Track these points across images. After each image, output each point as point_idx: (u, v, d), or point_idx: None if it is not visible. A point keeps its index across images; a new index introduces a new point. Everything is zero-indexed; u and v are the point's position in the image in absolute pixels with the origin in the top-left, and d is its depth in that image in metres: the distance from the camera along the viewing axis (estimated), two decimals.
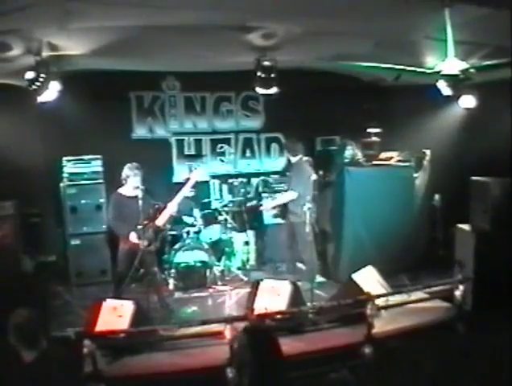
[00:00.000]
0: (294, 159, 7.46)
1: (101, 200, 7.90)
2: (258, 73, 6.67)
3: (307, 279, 6.84)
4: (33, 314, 3.55)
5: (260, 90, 6.94)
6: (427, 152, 8.12)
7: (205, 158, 9.34)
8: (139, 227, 6.09)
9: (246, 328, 3.17)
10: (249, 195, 9.07)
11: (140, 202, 6.09)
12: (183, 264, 7.47)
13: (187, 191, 6.63)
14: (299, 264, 7.58)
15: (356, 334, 5.26)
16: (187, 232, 7.74)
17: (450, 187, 7.94)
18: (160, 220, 6.36)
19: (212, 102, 9.32)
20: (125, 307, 5.37)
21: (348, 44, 6.43)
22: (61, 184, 7.95)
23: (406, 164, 8.06)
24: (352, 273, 6.16)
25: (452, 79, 5.23)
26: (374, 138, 8.07)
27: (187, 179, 6.64)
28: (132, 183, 6.26)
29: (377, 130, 8.10)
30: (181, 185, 6.73)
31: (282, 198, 7.53)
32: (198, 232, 7.81)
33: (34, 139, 7.72)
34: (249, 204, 7.97)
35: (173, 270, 7.46)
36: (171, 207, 6.44)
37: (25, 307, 3.59)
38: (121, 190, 6.43)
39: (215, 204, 8.52)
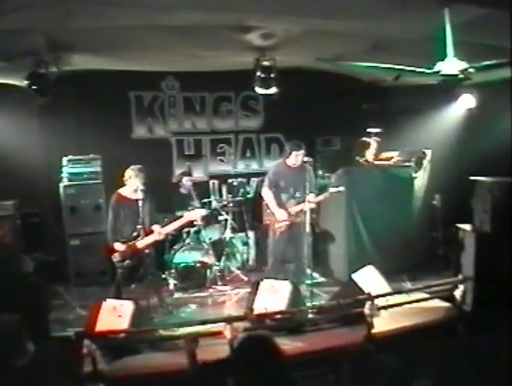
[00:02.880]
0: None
1: (101, 200, 7.88)
2: (258, 73, 6.67)
3: (297, 275, 6.87)
4: (14, 321, 3.53)
5: (260, 90, 6.93)
6: (427, 152, 8.13)
7: (205, 158, 9.35)
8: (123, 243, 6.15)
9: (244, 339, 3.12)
10: (248, 195, 9.07)
11: (140, 203, 6.09)
12: (183, 265, 7.47)
13: (177, 227, 6.50)
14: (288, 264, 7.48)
15: (356, 334, 5.26)
16: (187, 232, 7.75)
17: (450, 187, 7.95)
18: (141, 243, 6.18)
19: (211, 102, 9.31)
20: (125, 307, 5.37)
21: (348, 44, 6.43)
22: (61, 184, 7.96)
23: (406, 164, 8.06)
24: (352, 273, 6.17)
25: (451, 79, 5.22)
26: (374, 138, 8.07)
27: (182, 216, 6.52)
28: (133, 186, 6.24)
29: (377, 130, 8.10)
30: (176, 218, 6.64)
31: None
32: (198, 232, 7.81)
33: (34, 139, 7.71)
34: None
35: (173, 270, 7.47)
36: (157, 235, 6.26)
37: (6, 314, 3.58)
38: (121, 191, 6.42)
39: (215, 204, 8.52)
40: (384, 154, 8.12)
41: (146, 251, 6.24)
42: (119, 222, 6.31)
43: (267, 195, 7.20)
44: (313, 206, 6.82)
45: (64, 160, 7.90)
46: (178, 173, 8.61)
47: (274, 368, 2.80)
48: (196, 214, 6.71)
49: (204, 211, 7.03)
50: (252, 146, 9.61)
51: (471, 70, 5.12)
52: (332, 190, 7.03)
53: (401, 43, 6.22)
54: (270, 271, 7.15)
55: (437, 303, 6.18)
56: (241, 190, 8.86)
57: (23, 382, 3.30)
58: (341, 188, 7.08)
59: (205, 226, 8.00)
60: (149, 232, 6.23)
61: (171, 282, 7.44)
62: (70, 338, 4.82)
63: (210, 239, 8.03)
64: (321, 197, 6.99)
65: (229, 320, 4.92)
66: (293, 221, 7.03)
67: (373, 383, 4.23)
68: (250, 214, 8.75)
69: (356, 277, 6.07)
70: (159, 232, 6.27)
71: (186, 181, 8.13)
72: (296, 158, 6.98)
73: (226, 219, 8.23)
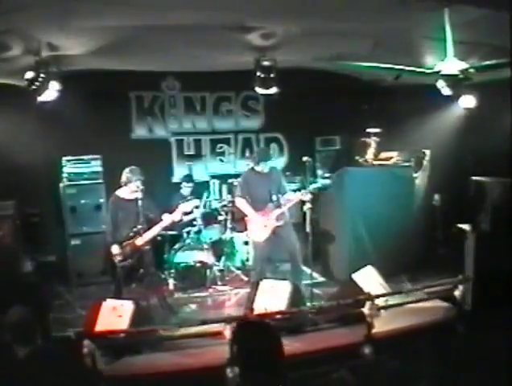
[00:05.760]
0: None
1: (101, 200, 7.90)
2: (258, 73, 6.66)
3: (294, 275, 6.83)
4: (27, 313, 3.56)
5: (259, 90, 6.94)
6: (427, 152, 8.12)
7: (205, 157, 9.35)
8: (120, 243, 6.17)
9: (241, 324, 3.13)
10: None
11: (140, 202, 6.10)
12: (183, 264, 7.46)
13: (173, 219, 6.45)
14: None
15: (356, 334, 5.26)
16: (188, 232, 7.75)
17: (450, 187, 7.95)
18: (141, 240, 6.21)
19: (211, 102, 9.32)
20: (125, 307, 5.38)
21: (348, 44, 6.43)
22: (61, 184, 7.96)
23: (406, 164, 8.06)
24: (352, 273, 6.17)
25: (451, 79, 5.23)
26: (374, 138, 8.07)
27: (176, 207, 6.52)
28: (132, 186, 6.25)
29: (377, 130, 8.10)
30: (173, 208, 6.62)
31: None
32: (198, 232, 7.81)
33: (34, 139, 7.70)
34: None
35: (173, 270, 7.46)
36: (155, 230, 6.29)
37: (19, 305, 3.60)
38: (119, 193, 6.43)
39: (215, 204, 8.52)
40: (384, 154, 8.11)
41: (146, 247, 6.25)
42: (118, 224, 6.32)
43: (242, 204, 7.01)
44: (287, 208, 6.83)
45: (64, 160, 7.91)
46: (181, 176, 8.60)
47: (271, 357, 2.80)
48: (189, 204, 6.68)
49: (197, 202, 6.99)
50: (251, 146, 9.60)
51: (471, 70, 5.13)
52: (314, 185, 6.84)
53: (401, 43, 6.22)
54: (255, 275, 6.91)
55: (437, 303, 6.18)
56: None
57: (25, 376, 3.32)
58: (327, 181, 7.13)
59: (205, 226, 8.00)
60: (148, 229, 6.25)
61: (171, 282, 7.42)
62: (70, 338, 4.82)
63: (210, 239, 8.02)
64: (306, 193, 6.64)
65: (229, 320, 4.92)
66: (275, 225, 6.85)
67: (373, 383, 4.24)
68: None
69: (356, 277, 6.07)
70: (156, 228, 6.29)
71: (185, 187, 8.14)
72: (264, 167, 6.93)
73: (226, 219, 8.22)
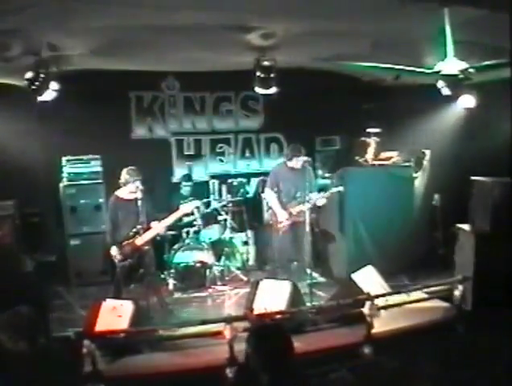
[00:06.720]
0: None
1: (101, 200, 7.89)
2: (258, 73, 6.66)
3: (299, 274, 6.90)
4: (31, 313, 3.55)
5: (259, 90, 6.94)
6: (427, 152, 8.11)
7: (205, 157, 9.35)
8: (120, 243, 6.19)
9: (255, 329, 3.14)
10: (248, 195, 9.07)
11: (139, 202, 6.10)
12: (182, 265, 7.47)
13: (173, 220, 6.48)
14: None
15: (355, 334, 5.26)
16: (187, 232, 7.75)
17: (450, 187, 7.94)
18: (140, 240, 6.21)
19: (211, 102, 9.31)
20: (125, 307, 5.37)
21: (348, 44, 6.43)
22: (61, 184, 7.96)
23: (406, 164, 8.07)
24: (352, 273, 6.17)
25: (451, 79, 5.23)
26: (374, 138, 8.07)
27: (177, 208, 6.54)
28: (131, 186, 6.25)
29: (377, 130, 8.10)
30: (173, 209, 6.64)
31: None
32: (198, 232, 7.82)
33: (34, 139, 7.71)
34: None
35: (173, 270, 7.47)
36: (155, 229, 6.29)
37: (23, 305, 3.59)
38: (118, 193, 6.43)
39: (214, 204, 8.52)
40: (384, 154, 8.11)
41: (146, 248, 6.25)
42: (118, 224, 6.33)
43: (269, 195, 7.28)
44: (314, 204, 6.88)
45: (64, 160, 7.91)
46: (180, 176, 8.61)
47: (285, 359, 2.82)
48: (190, 205, 6.69)
49: (198, 202, 6.99)
50: (251, 146, 9.61)
51: (471, 70, 5.12)
52: (333, 189, 7.14)
53: (401, 43, 6.22)
54: (277, 268, 7.19)
55: (436, 303, 6.18)
56: (241, 190, 8.86)
57: (25, 377, 3.31)
58: (341, 188, 7.19)
59: (205, 226, 8.00)
60: (147, 229, 6.26)
61: (171, 282, 7.44)
62: (70, 338, 4.82)
63: (210, 239, 8.03)
64: (322, 198, 7.00)
65: (229, 320, 4.93)
66: (295, 221, 7.06)
67: (373, 383, 4.23)
68: (250, 214, 8.74)
69: (356, 276, 6.07)
70: (156, 228, 6.29)
71: (185, 186, 8.15)
72: (297, 162, 7.07)
73: (226, 219, 8.22)
